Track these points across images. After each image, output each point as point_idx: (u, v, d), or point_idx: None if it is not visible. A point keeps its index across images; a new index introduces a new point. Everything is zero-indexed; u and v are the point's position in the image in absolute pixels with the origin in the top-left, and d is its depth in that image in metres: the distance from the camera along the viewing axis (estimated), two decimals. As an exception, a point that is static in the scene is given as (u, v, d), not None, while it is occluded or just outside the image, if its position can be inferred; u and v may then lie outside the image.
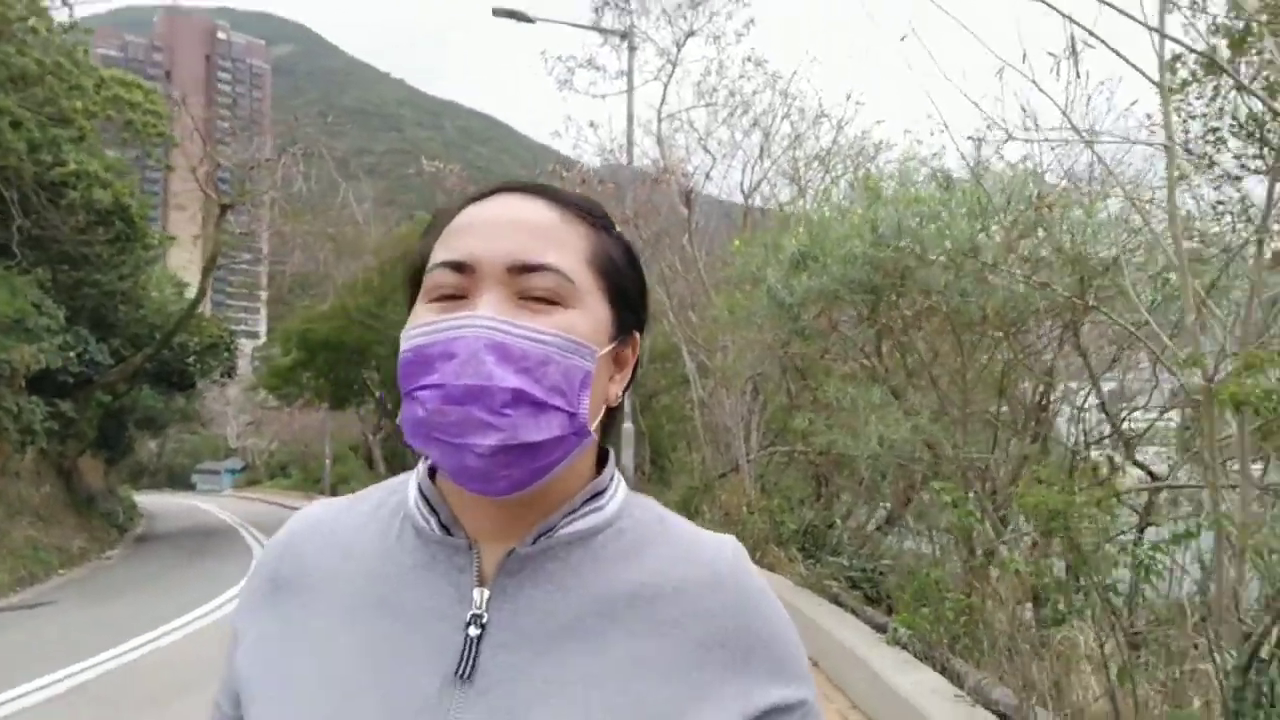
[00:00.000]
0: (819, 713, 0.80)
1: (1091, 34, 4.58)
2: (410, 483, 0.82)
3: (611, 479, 0.81)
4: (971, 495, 5.66)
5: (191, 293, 25.53)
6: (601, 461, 0.83)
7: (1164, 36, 4.16)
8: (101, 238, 18.96)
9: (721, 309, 9.45)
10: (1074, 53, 4.84)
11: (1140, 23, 3.87)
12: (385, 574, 0.77)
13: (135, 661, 8.17)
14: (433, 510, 0.78)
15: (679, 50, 14.64)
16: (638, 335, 0.82)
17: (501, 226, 0.75)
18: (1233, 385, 2.96)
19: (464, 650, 0.71)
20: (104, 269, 21.33)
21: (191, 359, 25.87)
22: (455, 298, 0.74)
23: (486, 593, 0.74)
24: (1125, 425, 6.97)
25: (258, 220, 24.43)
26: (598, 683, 0.71)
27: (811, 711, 0.79)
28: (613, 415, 0.81)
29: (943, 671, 4.42)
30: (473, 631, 0.72)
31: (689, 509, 12.17)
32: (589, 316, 0.75)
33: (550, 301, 0.73)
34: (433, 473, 0.81)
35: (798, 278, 7.03)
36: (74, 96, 16.98)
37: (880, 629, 5.48)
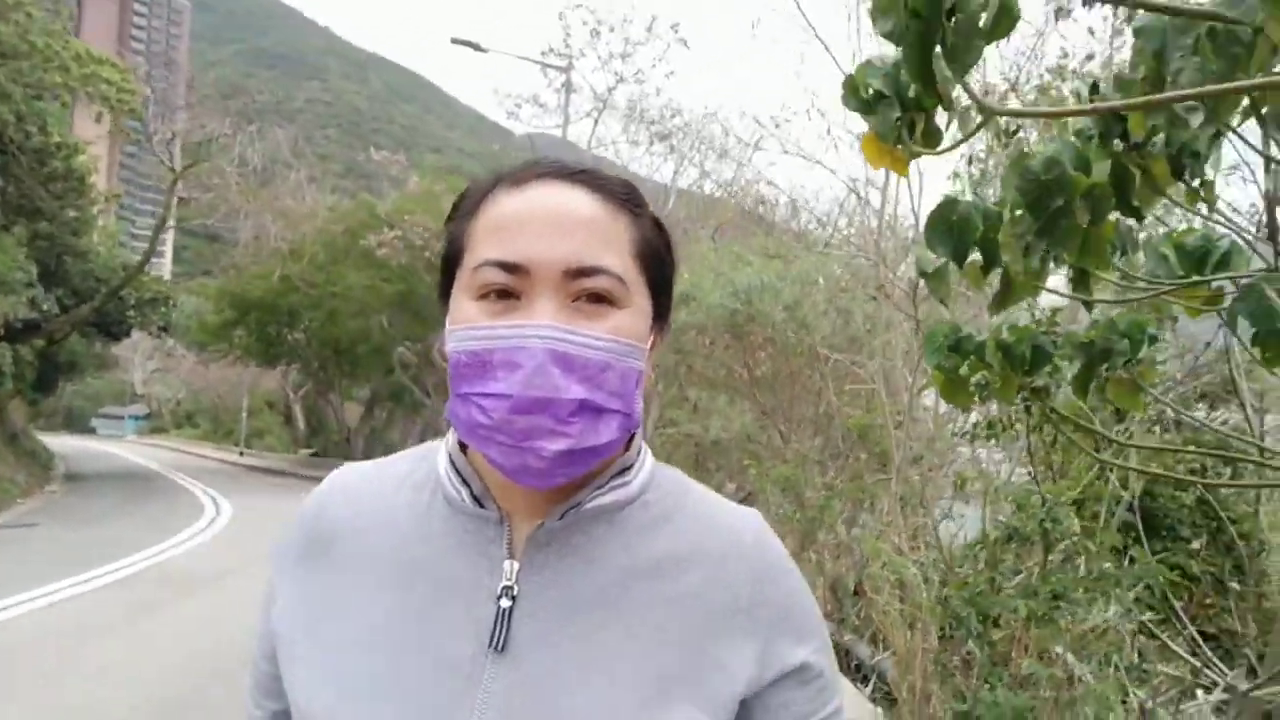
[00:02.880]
0: (834, 681, 0.83)
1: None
2: (440, 454, 0.84)
3: (638, 454, 0.84)
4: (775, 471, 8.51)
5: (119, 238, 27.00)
6: (629, 437, 0.82)
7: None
8: (72, 201, 20.64)
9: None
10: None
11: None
12: (418, 543, 0.80)
13: (161, 563, 10.40)
14: (464, 482, 0.81)
15: (610, 93, 17.25)
16: (667, 318, 0.84)
17: (554, 224, 0.74)
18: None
19: (496, 621, 0.74)
20: (57, 225, 22.84)
21: (131, 311, 27.42)
22: (505, 295, 0.74)
23: (517, 565, 0.77)
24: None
25: (169, 177, 25.64)
26: (623, 651, 0.74)
27: (827, 680, 0.82)
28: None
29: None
30: (504, 603, 0.75)
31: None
32: (638, 314, 0.77)
33: (602, 300, 0.75)
34: (463, 444, 0.83)
35: (679, 311, 9.79)
36: (56, 73, 18.63)
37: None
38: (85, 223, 24.89)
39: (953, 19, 1.47)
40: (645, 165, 17.66)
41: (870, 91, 1.74)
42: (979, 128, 1.75)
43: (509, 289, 0.74)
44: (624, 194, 0.79)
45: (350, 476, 0.88)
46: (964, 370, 2.71)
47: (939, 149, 1.74)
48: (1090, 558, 3.20)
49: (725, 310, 9.11)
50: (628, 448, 0.83)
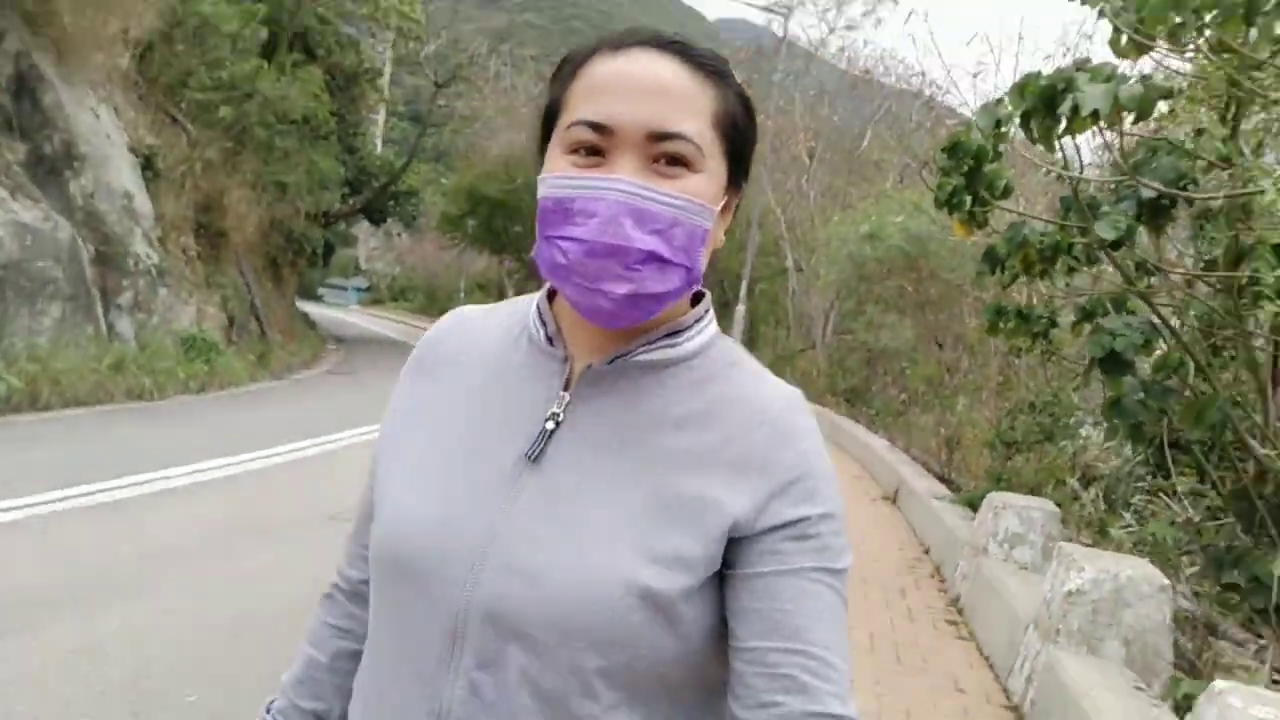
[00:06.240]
0: (836, 548, 0.84)
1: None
2: (533, 301, 0.96)
3: (696, 321, 0.91)
4: (931, 372, 11.67)
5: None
6: (696, 300, 0.93)
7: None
8: (360, 110, 25.39)
9: (819, 255, 15.32)
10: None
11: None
12: (499, 369, 0.93)
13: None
14: (543, 324, 0.92)
15: (823, 42, 19.87)
16: (743, 184, 0.91)
17: (641, 91, 0.81)
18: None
19: (537, 438, 0.86)
20: (344, 128, 27.71)
21: (391, 202, 32.53)
22: (593, 152, 0.81)
23: (567, 397, 0.88)
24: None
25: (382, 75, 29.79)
26: (636, 481, 0.84)
27: (826, 544, 0.83)
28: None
29: (889, 440, 10.57)
30: (549, 425, 0.87)
31: (773, 373, 18.34)
32: (712, 179, 0.84)
33: (679, 163, 0.81)
34: (550, 295, 0.94)
35: (864, 246, 12.86)
36: (364, 5, 23.06)
37: (870, 427, 11.67)
38: (359, 123, 29.80)
39: (978, 190, 4.65)
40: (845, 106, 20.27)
41: (949, 195, 4.91)
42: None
43: (596, 147, 0.81)
44: (711, 65, 0.85)
45: (465, 313, 1.03)
46: (1001, 325, 5.82)
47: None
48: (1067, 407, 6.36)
49: (901, 251, 12.16)
50: (694, 306, 0.92)
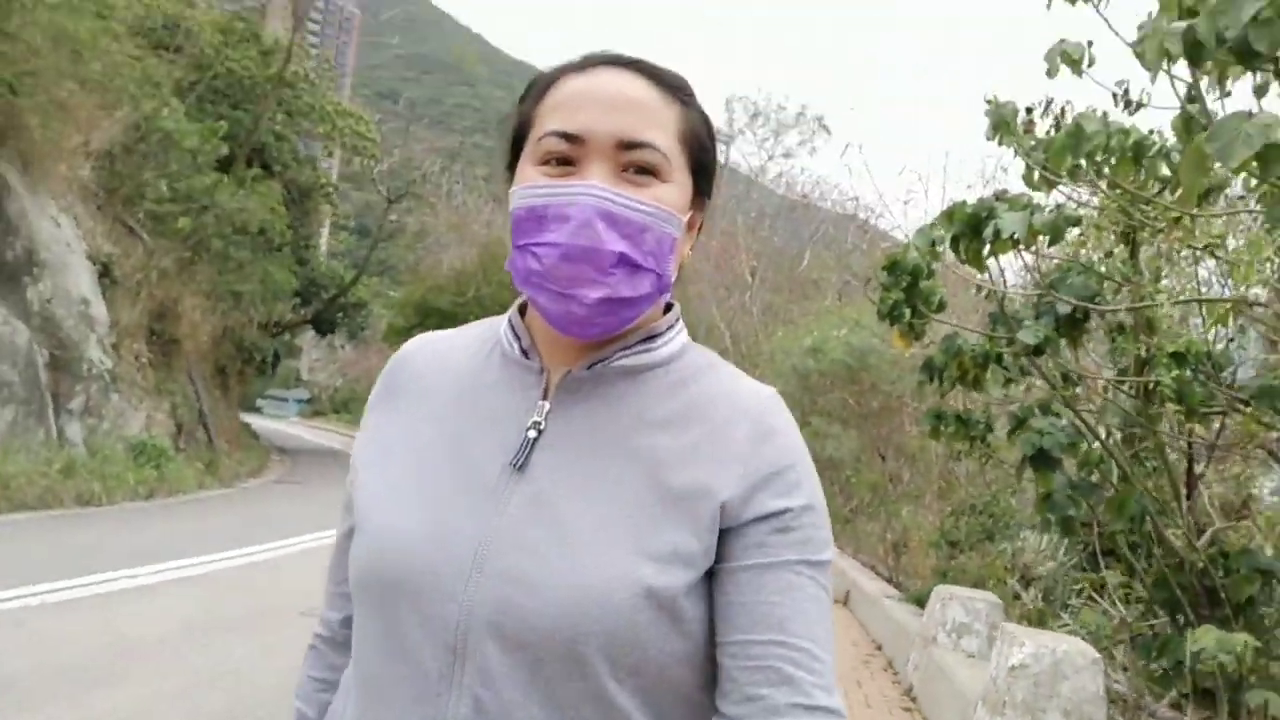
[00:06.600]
0: (819, 540, 0.86)
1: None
2: (504, 319, 0.97)
3: (669, 329, 0.94)
4: (874, 482, 12.10)
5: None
6: (667, 311, 0.95)
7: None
8: (312, 223, 25.89)
9: (764, 368, 15.94)
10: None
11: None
12: (472, 385, 0.93)
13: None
14: (517, 337, 0.93)
15: (763, 168, 21.05)
16: (706, 200, 0.94)
17: (610, 103, 0.85)
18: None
19: (521, 447, 0.86)
20: (295, 240, 28.13)
21: (340, 313, 32.75)
22: (564, 163, 0.85)
23: (547, 406, 0.88)
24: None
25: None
26: (624, 481, 0.84)
27: (809, 536, 0.85)
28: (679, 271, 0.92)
29: (838, 547, 10.90)
30: (531, 434, 0.87)
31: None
32: (678, 189, 0.88)
33: (648, 172, 0.85)
34: (521, 312, 0.95)
35: (808, 359, 13.46)
36: (322, 125, 23.81)
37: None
38: (309, 236, 30.27)
39: (916, 304, 5.14)
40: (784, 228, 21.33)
41: (890, 308, 5.39)
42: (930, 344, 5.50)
43: (567, 157, 0.84)
44: (675, 84, 0.90)
45: (429, 337, 1.04)
46: (942, 429, 6.30)
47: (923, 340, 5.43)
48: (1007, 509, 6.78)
49: (844, 364, 12.77)
50: (665, 314, 0.94)
